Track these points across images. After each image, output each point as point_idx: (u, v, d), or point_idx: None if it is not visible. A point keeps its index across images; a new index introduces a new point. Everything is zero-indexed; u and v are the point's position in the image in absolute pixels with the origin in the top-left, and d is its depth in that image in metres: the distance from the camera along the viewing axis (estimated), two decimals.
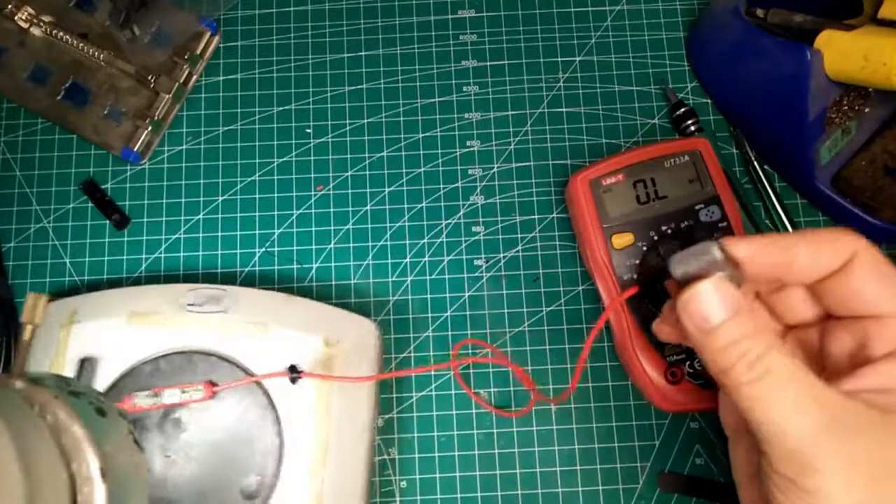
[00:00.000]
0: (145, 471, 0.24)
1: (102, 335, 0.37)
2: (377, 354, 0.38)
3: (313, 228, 0.43)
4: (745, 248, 0.25)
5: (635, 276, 0.37)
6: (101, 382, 0.37)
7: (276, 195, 0.44)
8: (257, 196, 0.44)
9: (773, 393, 0.22)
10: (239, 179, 0.44)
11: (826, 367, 0.26)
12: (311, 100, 0.45)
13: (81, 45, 0.44)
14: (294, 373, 0.36)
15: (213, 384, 0.36)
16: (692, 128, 0.43)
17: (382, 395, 0.41)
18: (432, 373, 0.41)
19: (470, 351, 0.41)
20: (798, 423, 0.22)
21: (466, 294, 0.42)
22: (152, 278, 0.43)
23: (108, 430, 0.22)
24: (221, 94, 0.45)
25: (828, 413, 0.22)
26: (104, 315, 0.38)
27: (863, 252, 0.24)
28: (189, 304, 0.38)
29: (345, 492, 0.36)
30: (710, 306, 0.24)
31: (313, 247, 0.43)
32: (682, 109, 0.43)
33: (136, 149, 0.43)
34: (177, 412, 0.36)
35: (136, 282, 0.43)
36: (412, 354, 0.41)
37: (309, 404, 0.36)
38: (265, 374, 0.36)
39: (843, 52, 0.36)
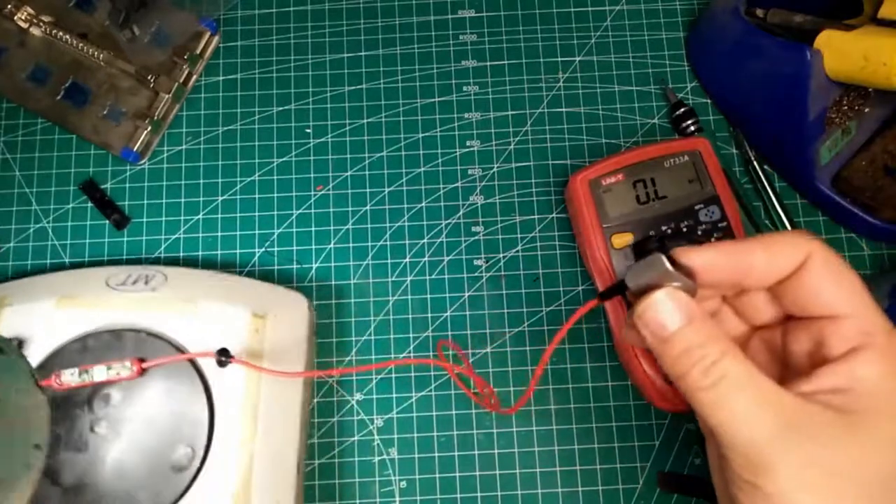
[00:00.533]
0: (45, 412, 0.25)
1: (32, 318, 0.38)
2: (308, 327, 0.39)
3: (313, 228, 0.43)
4: (698, 258, 0.25)
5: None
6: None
7: (275, 195, 0.44)
8: (257, 196, 0.44)
9: (729, 398, 0.23)
10: (239, 179, 0.44)
11: (789, 367, 0.27)
12: (310, 100, 0.45)
13: (81, 45, 0.44)
14: (224, 356, 0.35)
15: (141, 361, 0.35)
16: (692, 128, 0.43)
17: (382, 395, 0.41)
18: (416, 369, 0.41)
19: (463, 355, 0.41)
20: (753, 428, 0.22)
21: (466, 294, 0.42)
22: None
23: (3, 366, 0.23)
24: (221, 94, 0.45)
25: (783, 416, 0.22)
26: (34, 299, 0.38)
27: (817, 253, 0.25)
28: (117, 285, 0.38)
29: (275, 464, 0.36)
30: (664, 315, 0.24)
31: (313, 247, 0.43)
32: (682, 109, 0.43)
33: (135, 149, 0.43)
34: (106, 388, 0.36)
35: None
36: (411, 354, 0.41)
37: (239, 378, 0.37)
38: (194, 353, 0.36)
39: (843, 52, 0.36)
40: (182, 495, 0.35)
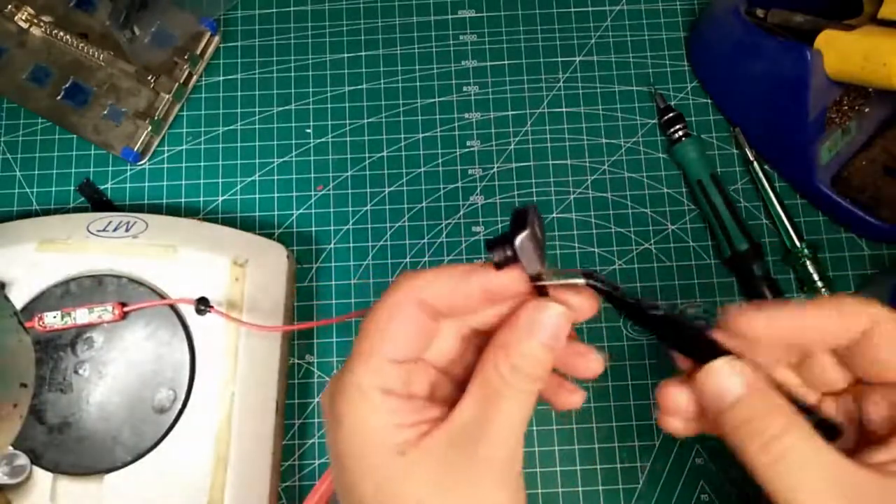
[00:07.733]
0: (30, 352, 0.26)
1: (13, 262, 0.38)
2: (287, 276, 0.40)
3: (313, 228, 0.43)
4: (756, 321, 0.24)
5: None
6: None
7: (276, 195, 0.44)
8: (257, 196, 0.44)
9: (790, 476, 0.22)
10: (239, 179, 0.44)
11: (866, 431, 0.26)
12: (311, 100, 0.45)
13: (81, 45, 0.44)
14: (203, 305, 0.36)
15: (123, 304, 0.36)
16: (679, 132, 0.43)
17: None
18: None
19: None
20: None
21: None
22: None
23: None
24: (221, 94, 0.45)
25: (849, 496, 0.22)
26: (14, 243, 0.39)
27: (884, 323, 0.24)
28: (98, 231, 0.38)
29: (255, 405, 0.37)
30: (724, 383, 0.24)
31: (313, 247, 0.43)
32: (671, 114, 0.43)
33: (136, 149, 0.43)
34: (88, 332, 0.37)
35: None
36: None
37: (219, 322, 0.37)
38: (175, 300, 0.37)
39: (843, 52, 0.36)
40: (165, 435, 0.36)
